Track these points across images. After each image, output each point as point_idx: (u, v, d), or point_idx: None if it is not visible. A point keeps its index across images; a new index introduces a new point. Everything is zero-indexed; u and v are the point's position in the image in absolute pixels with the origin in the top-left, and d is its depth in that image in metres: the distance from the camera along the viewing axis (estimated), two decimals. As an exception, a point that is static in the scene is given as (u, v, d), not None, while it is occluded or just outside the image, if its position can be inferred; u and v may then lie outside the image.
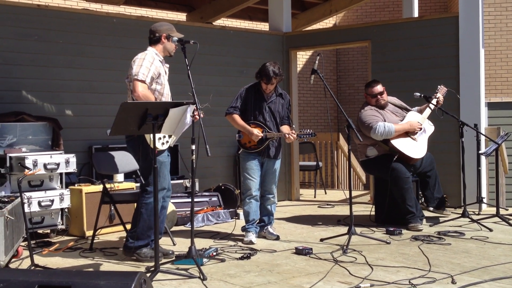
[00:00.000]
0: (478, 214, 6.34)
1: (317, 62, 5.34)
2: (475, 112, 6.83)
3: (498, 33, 11.21)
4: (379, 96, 5.94)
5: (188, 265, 4.21)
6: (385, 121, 5.81)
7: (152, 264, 4.22)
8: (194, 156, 4.25)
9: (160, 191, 4.47)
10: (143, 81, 4.43)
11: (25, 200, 5.00)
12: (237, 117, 5.30)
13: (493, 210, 6.23)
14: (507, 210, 6.70)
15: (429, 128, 6.03)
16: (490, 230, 5.49)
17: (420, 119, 5.92)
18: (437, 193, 6.12)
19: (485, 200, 6.74)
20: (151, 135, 4.24)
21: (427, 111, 5.96)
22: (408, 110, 6.11)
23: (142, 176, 4.66)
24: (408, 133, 5.83)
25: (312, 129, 5.59)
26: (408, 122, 5.82)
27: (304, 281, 3.87)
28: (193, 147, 4.25)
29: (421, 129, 5.86)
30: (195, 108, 4.25)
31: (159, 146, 4.41)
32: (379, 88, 5.96)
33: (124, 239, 4.65)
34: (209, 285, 3.79)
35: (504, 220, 5.84)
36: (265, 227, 5.41)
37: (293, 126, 5.52)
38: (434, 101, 5.94)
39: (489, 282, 3.77)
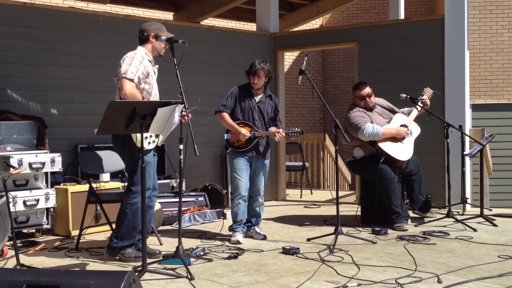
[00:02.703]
0: (463, 215, 6.41)
1: (305, 62, 5.36)
2: (460, 113, 6.90)
3: (483, 35, 11.35)
4: (367, 99, 5.98)
5: (176, 264, 4.20)
6: (372, 123, 5.85)
7: (137, 264, 4.22)
8: (182, 155, 4.24)
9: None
10: (132, 80, 4.42)
11: (10, 200, 4.95)
12: (226, 115, 5.31)
13: (477, 211, 6.30)
14: (491, 210, 6.77)
15: (415, 129, 6.07)
16: (475, 230, 5.55)
17: (406, 121, 5.96)
18: (422, 196, 6.17)
19: (469, 201, 6.82)
20: (138, 134, 4.24)
21: (414, 114, 6.01)
22: (395, 112, 6.15)
23: (127, 176, 4.63)
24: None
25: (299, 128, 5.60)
26: (396, 129, 5.86)
27: (291, 281, 3.89)
28: (181, 146, 4.24)
29: (407, 134, 5.90)
30: (183, 108, 4.24)
31: (145, 145, 4.38)
32: (367, 90, 6.00)
33: (108, 239, 4.63)
34: (196, 285, 3.78)
35: (488, 221, 5.91)
36: (252, 227, 5.42)
37: (282, 126, 5.53)
38: (420, 104, 5.98)
39: (475, 282, 3.81)
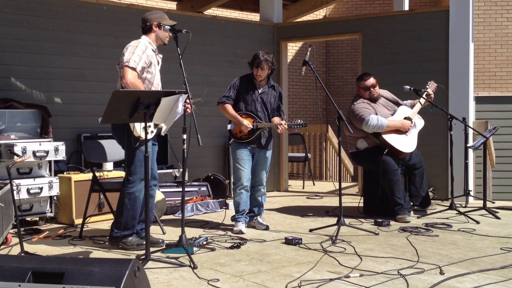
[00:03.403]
0: (465, 207, 6.42)
1: (308, 53, 5.34)
2: (464, 106, 6.88)
3: (487, 27, 11.30)
4: (372, 89, 5.96)
5: (179, 253, 4.22)
6: (376, 114, 5.84)
7: (140, 252, 4.24)
8: (185, 145, 4.24)
9: (141, 181, 4.44)
10: (134, 69, 4.40)
11: (14, 187, 4.96)
12: (229, 106, 5.30)
13: (480, 203, 6.30)
14: (493, 203, 6.78)
15: (419, 122, 6.07)
16: (477, 222, 5.55)
17: (410, 114, 5.95)
18: (422, 191, 6.18)
19: (472, 193, 6.81)
20: (136, 123, 4.24)
21: (417, 106, 6.00)
22: (399, 104, 6.14)
23: (125, 165, 4.61)
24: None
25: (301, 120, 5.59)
26: (400, 121, 5.85)
27: (294, 271, 3.90)
28: (185, 136, 4.24)
29: (411, 127, 5.89)
30: (187, 98, 4.24)
31: (142, 135, 4.36)
32: (371, 80, 5.98)
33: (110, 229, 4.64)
34: (199, 274, 3.80)
35: (491, 213, 5.92)
36: (255, 217, 5.43)
37: (285, 117, 5.52)
38: (423, 99, 5.96)
39: (477, 274, 3.82)
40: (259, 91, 5.35)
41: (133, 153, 4.43)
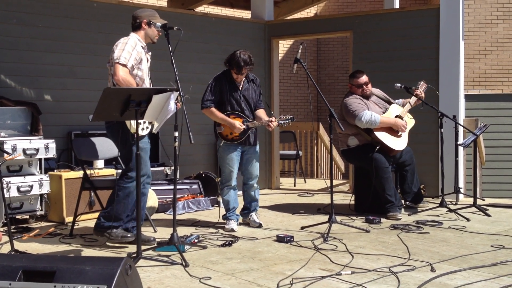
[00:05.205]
0: (456, 204, 6.44)
1: (300, 51, 5.34)
2: (454, 103, 6.92)
3: (477, 25, 11.36)
4: (364, 87, 5.97)
5: (170, 252, 4.21)
6: (369, 110, 5.85)
7: (124, 244, 4.22)
8: (177, 143, 4.23)
9: (141, 177, 4.43)
10: (125, 65, 4.38)
11: (4, 185, 4.94)
12: (215, 110, 5.22)
13: (470, 200, 6.33)
14: (483, 200, 6.81)
15: (410, 121, 6.08)
16: (468, 219, 5.58)
17: (401, 113, 5.97)
18: (414, 187, 6.20)
19: (462, 191, 6.85)
20: (132, 121, 4.22)
21: (408, 106, 6.02)
22: (390, 103, 6.16)
23: (123, 162, 4.62)
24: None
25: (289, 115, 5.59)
26: (394, 119, 5.86)
27: (286, 268, 3.90)
28: (176, 134, 4.23)
29: (404, 129, 5.89)
30: (178, 95, 4.22)
31: (139, 131, 4.35)
32: (364, 78, 5.99)
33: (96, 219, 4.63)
34: (191, 272, 3.79)
35: (481, 210, 5.95)
36: (250, 214, 5.42)
37: (272, 113, 5.51)
38: (413, 98, 5.99)
39: (468, 271, 3.83)
40: (241, 89, 5.30)
41: (130, 149, 4.41)
